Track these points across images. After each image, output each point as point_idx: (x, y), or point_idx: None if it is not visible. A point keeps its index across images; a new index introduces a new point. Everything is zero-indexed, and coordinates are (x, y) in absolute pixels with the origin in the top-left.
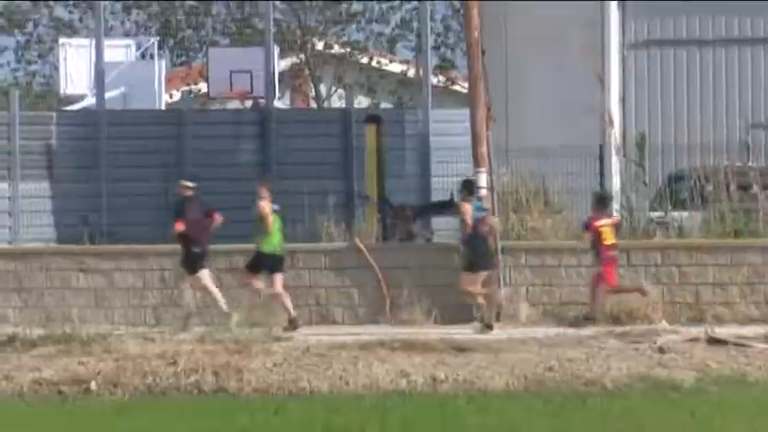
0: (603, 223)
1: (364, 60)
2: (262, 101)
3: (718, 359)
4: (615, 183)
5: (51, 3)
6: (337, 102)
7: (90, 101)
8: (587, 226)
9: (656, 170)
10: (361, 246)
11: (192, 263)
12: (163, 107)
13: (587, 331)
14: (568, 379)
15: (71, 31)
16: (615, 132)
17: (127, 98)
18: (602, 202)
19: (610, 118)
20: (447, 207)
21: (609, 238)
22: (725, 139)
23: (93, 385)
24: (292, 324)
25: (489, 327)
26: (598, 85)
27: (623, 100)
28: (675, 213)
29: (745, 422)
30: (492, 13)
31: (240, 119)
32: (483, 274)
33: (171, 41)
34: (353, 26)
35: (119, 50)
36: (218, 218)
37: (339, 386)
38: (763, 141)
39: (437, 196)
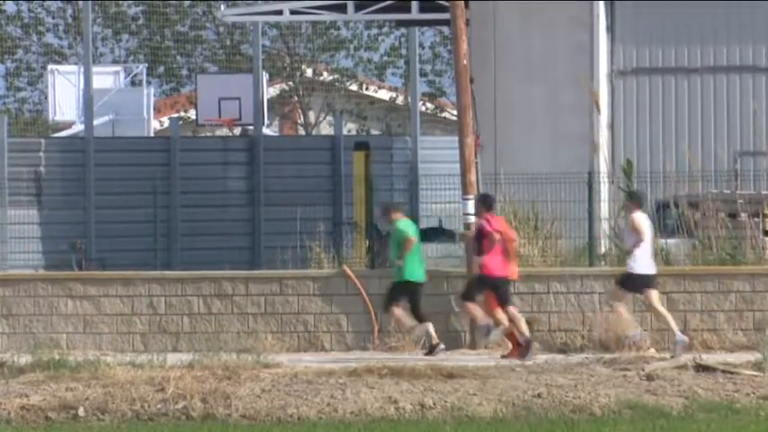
0: None
1: (353, 87)
2: (250, 128)
3: (706, 386)
4: (604, 209)
5: (41, 29)
6: (326, 129)
7: (79, 128)
8: None
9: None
10: (350, 272)
11: None
12: (151, 134)
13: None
14: (556, 406)
15: (60, 57)
16: (603, 159)
17: (115, 125)
18: None
19: (595, 145)
20: (436, 234)
21: None
22: (713, 167)
23: (81, 411)
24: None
25: None
26: (592, 111)
27: (612, 127)
28: (668, 240)
29: None
30: (481, 41)
31: (229, 146)
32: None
33: (160, 68)
34: (342, 53)
35: (107, 77)
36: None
37: (327, 413)
38: (751, 169)
39: (426, 223)
